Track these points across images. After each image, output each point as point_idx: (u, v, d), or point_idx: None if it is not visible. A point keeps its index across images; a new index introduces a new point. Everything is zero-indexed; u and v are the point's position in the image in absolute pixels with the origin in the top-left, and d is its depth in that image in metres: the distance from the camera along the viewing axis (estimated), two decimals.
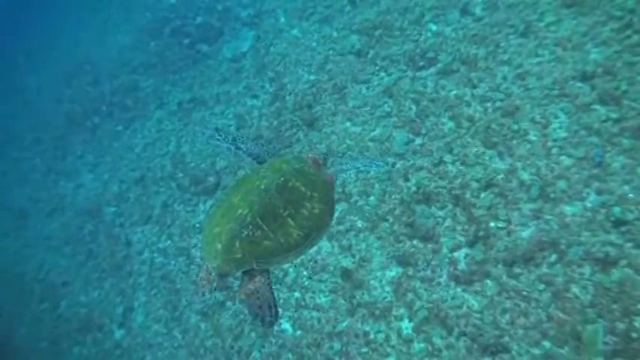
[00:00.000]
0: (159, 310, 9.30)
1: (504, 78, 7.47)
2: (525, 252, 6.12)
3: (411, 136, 7.86)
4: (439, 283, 6.57)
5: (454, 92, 7.83)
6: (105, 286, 10.52)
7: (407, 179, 7.41)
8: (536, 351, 5.67)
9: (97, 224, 11.69)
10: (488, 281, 6.26)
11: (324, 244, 7.64)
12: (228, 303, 8.36)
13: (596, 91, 6.58)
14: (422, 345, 6.32)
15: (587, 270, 5.74)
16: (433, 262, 6.72)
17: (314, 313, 7.33)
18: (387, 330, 6.63)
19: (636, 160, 5.99)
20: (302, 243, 3.47)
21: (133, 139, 13.05)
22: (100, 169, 13.18)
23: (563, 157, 6.42)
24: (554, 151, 6.50)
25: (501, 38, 7.91)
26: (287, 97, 10.17)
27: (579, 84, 6.78)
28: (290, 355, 7.23)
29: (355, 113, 8.79)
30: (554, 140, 6.57)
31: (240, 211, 3.41)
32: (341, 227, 7.60)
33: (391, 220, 7.30)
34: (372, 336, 6.70)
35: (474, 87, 7.67)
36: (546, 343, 5.66)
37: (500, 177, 6.70)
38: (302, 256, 4.40)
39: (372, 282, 7.06)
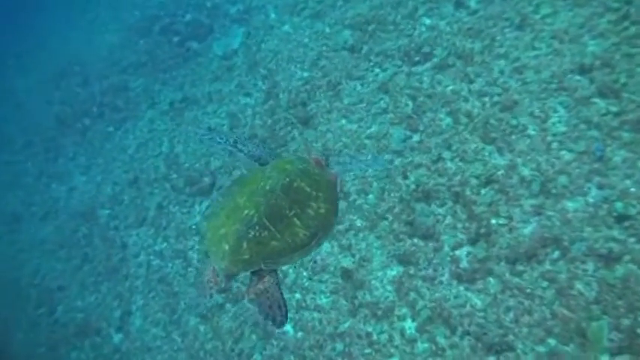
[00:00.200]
0: (157, 314, 9.21)
1: (501, 72, 7.39)
2: (528, 249, 6.07)
3: (408, 132, 7.78)
4: (441, 282, 6.52)
5: (451, 87, 7.75)
6: (101, 289, 10.42)
7: (406, 177, 7.33)
8: (542, 349, 5.63)
9: (92, 227, 11.56)
10: (491, 279, 6.21)
11: (324, 244, 7.56)
12: (228, 305, 8.28)
13: (595, 84, 6.52)
14: (426, 345, 6.27)
15: (590, 266, 5.70)
16: (434, 261, 6.66)
17: (315, 315, 7.27)
18: (390, 330, 6.57)
19: (637, 154, 5.94)
20: (309, 242, 3.47)
21: (125, 140, 12.90)
22: (92, 172, 13.03)
23: (563, 152, 6.36)
24: (554, 145, 6.44)
25: (497, 31, 7.83)
26: (280, 95, 10.05)
27: (578, 77, 6.71)
28: (292, 358, 7.17)
29: (351, 110, 8.70)
30: (554, 135, 6.50)
31: (246, 211, 3.42)
32: (340, 227, 7.53)
33: (391, 218, 7.23)
34: (374, 337, 6.64)
35: (471, 82, 7.59)
36: (551, 341, 5.62)
37: (500, 173, 6.63)
38: (309, 256, 4.35)
39: (373, 282, 7.00)
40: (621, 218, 5.72)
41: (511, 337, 5.81)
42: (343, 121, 8.66)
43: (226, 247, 3.34)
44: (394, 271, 6.92)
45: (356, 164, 4.15)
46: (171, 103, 12.54)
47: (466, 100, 7.46)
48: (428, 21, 8.90)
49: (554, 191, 6.19)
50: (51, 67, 17.78)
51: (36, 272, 11.90)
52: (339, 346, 6.84)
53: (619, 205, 5.77)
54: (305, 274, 7.64)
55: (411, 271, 6.76)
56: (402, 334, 6.47)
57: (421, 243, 6.86)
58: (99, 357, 9.60)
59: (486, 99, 7.29)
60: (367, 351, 6.59)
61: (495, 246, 6.30)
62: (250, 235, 3.33)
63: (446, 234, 6.72)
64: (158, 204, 10.59)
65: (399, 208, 7.20)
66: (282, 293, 3.44)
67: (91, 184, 12.69)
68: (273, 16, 12.40)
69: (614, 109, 6.27)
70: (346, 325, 6.94)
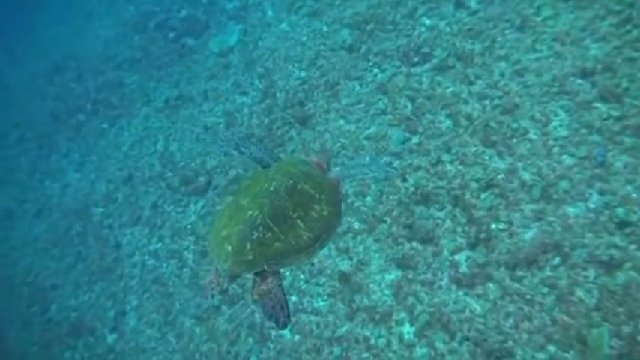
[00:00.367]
0: (152, 314, 9.13)
1: (502, 74, 7.33)
2: (528, 254, 6.02)
3: (407, 134, 7.71)
4: (440, 287, 6.46)
5: (450, 89, 7.69)
6: (95, 289, 10.32)
7: (404, 179, 7.27)
8: (541, 355, 5.60)
9: (85, 225, 11.45)
10: (491, 284, 6.17)
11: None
12: (224, 307, 8.20)
13: (596, 88, 6.47)
14: (424, 350, 6.22)
15: (591, 273, 5.66)
16: (434, 265, 6.61)
17: (312, 318, 7.20)
18: (388, 335, 6.52)
19: (638, 160, 5.89)
20: (312, 244, 3.45)
21: (120, 137, 12.78)
22: (86, 169, 12.91)
23: (564, 157, 6.31)
24: (555, 150, 6.39)
25: (497, 33, 7.76)
26: (278, 94, 9.96)
27: (579, 81, 6.66)
28: None
29: (349, 111, 8.62)
30: (555, 139, 6.45)
31: (249, 212, 3.40)
32: (338, 229, 7.44)
33: (389, 221, 7.17)
34: (372, 341, 6.58)
35: (471, 84, 7.52)
36: (551, 347, 5.58)
37: (500, 177, 6.58)
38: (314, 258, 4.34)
39: (371, 285, 6.94)
40: (622, 224, 5.68)
41: (511, 343, 5.77)
42: (341, 122, 8.59)
43: (229, 247, 3.31)
44: (392, 275, 6.86)
45: (359, 169, 4.13)
46: (167, 100, 12.41)
47: (466, 102, 7.40)
48: (427, 21, 8.82)
49: (555, 196, 6.15)
50: (45, 62, 17.58)
51: (29, 270, 11.77)
52: (337, 350, 6.78)
53: (620, 211, 5.73)
54: (302, 276, 7.57)
55: (410, 275, 6.71)
56: (401, 338, 6.42)
57: (420, 247, 6.80)
58: (93, 357, 9.50)
59: (487, 101, 7.23)
60: (365, 355, 6.53)
61: (495, 251, 6.25)
62: (254, 236, 3.31)
63: (445, 238, 6.66)
64: (153, 203, 10.49)
65: (397, 211, 7.14)
66: (285, 294, 3.42)
67: (84, 181, 12.57)
68: (270, 13, 12.29)
69: (615, 113, 6.22)
70: (344, 328, 6.88)
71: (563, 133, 6.45)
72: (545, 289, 5.82)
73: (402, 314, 6.54)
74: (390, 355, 6.39)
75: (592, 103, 6.44)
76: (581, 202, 6.00)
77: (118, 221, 10.90)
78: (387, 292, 6.79)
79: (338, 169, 4.17)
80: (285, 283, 7.59)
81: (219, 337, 7.95)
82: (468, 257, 6.42)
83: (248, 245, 3.29)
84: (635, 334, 5.23)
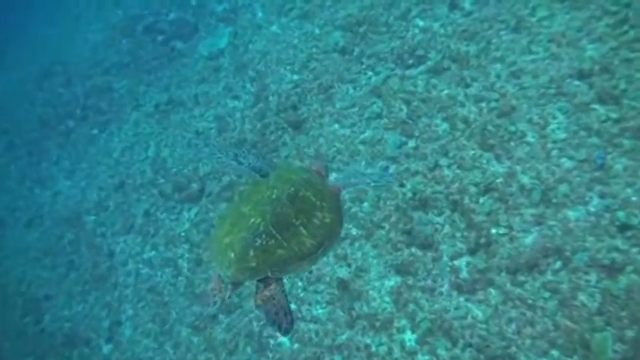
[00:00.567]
0: (147, 324, 9.01)
1: (498, 76, 7.27)
2: (529, 259, 5.97)
3: (403, 138, 7.64)
4: (441, 293, 6.40)
5: (446, 92, 7.62)
6: (89, 299, 10.17)
7: (402, 184, 7.20)
8: None
9: (78, 234, 11.29)
10: (492, 290, 6.11)
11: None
12: (221, 316, 8.10)
13: (594, 90, 6.42)
14: (426, 357, 6.16)
15: (593, 277, 5.61)
16: (434, 271, 6.54)
17: (311, 326, 7.12)
18: (389, 342, 6.45)
19: (638, 162, 5.85)
20: (315, 251, 3.46)
21: (110, 143, 12.61)
22: (76, 176, 12.73)
23: (563, 160, 6.26)
24: (554, 153, 6.34)
25: (493, 34, 7.70)
26: (270, 98, 9.86)
27: (576, 82, 6.61)
28: None
29: (343, 115, 8.54)
30: (554, 142, 6.40)
31: (252, 220, 3.41)
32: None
33: (387, 227, 7.09)
34: (373, 349, 6.52)
35: (467, 86, 7.46)
36: (554, 353, 5.54)
37: (499, 181, 6.52)
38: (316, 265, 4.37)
39: (370, 292, 6.87)
40: (624, 228, 5.63)
41: (514, 349, 5.72)
42: (336, 126, 8.50)
43: (232, 255, 3.31)
44: (392, 281, 6.79)
45: (360, 178, 4.20)
46: (157, 105, 12.27)
47: (462, 105, 7.34)
48: (421, 23, 8.74)
49: (554, 200, 6.10)
50: (33, 66, 17.33)
51: (21, 280, 11.57)
52: (337, 359, 6.72)
53: (621, 214, 5.69)
54: (300, 284, 7.49)
55: (410, 282, 6.64)
56: (402, 346, 6.35)
57: (419, 253, 6.74)
58: None
59: (483, 104, 7.17)
60: None
61: (496, 256, 6.20)
62: (257, 244, 3.31)
63: (445, 243, 6.60)
64: (145, 210, 10.36)
65: (395, 217, 7.06)
66: (288, 301, 3.44)
67: (75, 189, 12.40)
68: (260, 15, 12.17)
69: (614, 115, 6.17)
70: (344, 336, 6.80)
71: (562, 135, 6.40)
72: (547, 294, 5.77)
73: (403, 321, 6.48)
74: None
75: (590, 105, 6.39)
76: (582, 206, 5.95)
77: (110, 229, 10.76)
78: (386, 299, 6.72)
79: (339, 176, 4.17)
80: None
81: (217, 346, 7.85)
82: (468, 263, 6.36)
83: (251, 252, 3.29)
84: (638, 338, 5.19)
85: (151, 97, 12.75)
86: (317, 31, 10.26)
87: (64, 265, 11.02)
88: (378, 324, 6.60)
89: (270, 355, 7.29)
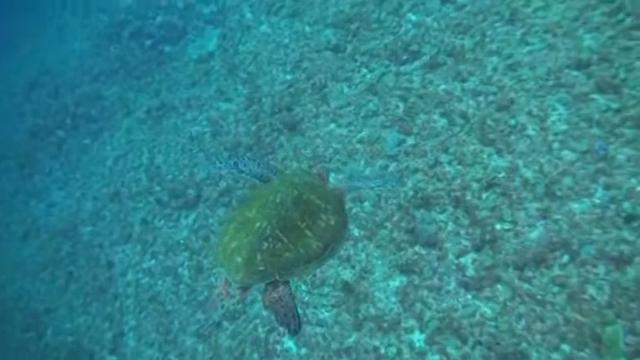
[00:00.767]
0: (151, 334, 8.90)
1: (495, 69, 7.20)
2: (536, 254, 5.92)
3: (401, 136, 7.56)
4: (448, 291, 6.34)
5: (443, 87, 7.55)
6: (90, 311, 10.05)
7: (403, 183, 7.12)
8: (557, 356, 5.51)
9: (75, 245, 11.15)
10: (500, 286, 6.06)
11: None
12: (225, 323, 8.01)
13: (593, 80, 6.37)
14: (436, 357, 6.10)
15: (601, 269, 5.57)
16: (439, 270, 6.48)
17: (318, 330, 7.04)
18: (397, 343, 6.39)
19: None
20: (322, 253, 3.48)
21: (103, 152, 12.45)
22: (70, 187, 12.57)
23: (565, 152, 6.20)
24: (556, 145, 6.28)
25: (487, 27, 7.63)
26: (263, 100, 9.75)
27: (575, 73, 6.55)
28: None
29: (339, 114, 8.45)
30: (555, 134, 6.34)
31: (258, 224, 3.44)
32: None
33: (390, 227, 7.02)
34: (382, 350, 6.45)
35: (464, 80, 7.39)
36: (566, 347, 5.50)
37: (501, 176, 6.46)
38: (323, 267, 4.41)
39: (376, 293, 6.80)
40: (630, 218, 5.59)
41: (524, 345, 5.67)
42: (332, 126, 8.41)
43: (239, 259, 3.34)
44: (397, 281, 6.73)
45: (364, 182, 4.22)
46: (148, 110, 12.12)
47: (460, 100, 7.27)
48: (414, 17, 8.66)
49: (559, 193, 6.04)
50: (20, 79, 17.08)
51: (20, 295, 11.43)
52: None
53: (627, 205, 5.65)
54: (304, 287, 7.40)
55: (416, 281, 6.57)
56: (411, 346, 6.29)
57: (424, 251, 6.67)
58: None
59: (481, 98, 7.10)
60: None
61: (502, 252, 6.14)
62: (264, 247, 3.33)
63: (449, 241, 6.54)
64: (142, 219, 10.23)
65: (398, 216, 6.99)
66: (295, 303, 3.44)
67: (70, 199, 12.24)
68: (249, 15, 12.03)
69: (614, 105, 6.12)
70: (351, 339, 6.73)
71: (563, 127, 6.34)
72: (556, 289, 5.73)
73: (411, 321, 6.41)
74: None
75: (589, 95, 6.33)
76: (587, 198, 5.90)
77: (108, 239, 10.62)
78: (393, 299, 6.66)
79: (342, 178, 4.17)
80: None
81: (223, 354, 7.76)
82: (474, 260, 6.30)
83: (259, 256, 3.31)
84: None
85: (141, 102, 12.59)
86: (308, 29, 10.15)
87: (63, 277, 10.87)
88: (385, 325, 6.53)
89: None
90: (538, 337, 5.64)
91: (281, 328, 3.37)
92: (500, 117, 6.79)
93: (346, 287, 6.99)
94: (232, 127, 9.93)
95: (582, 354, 5.40)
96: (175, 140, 10.92)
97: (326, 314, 7.07)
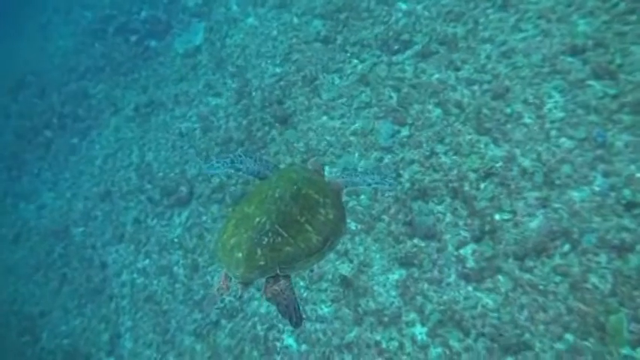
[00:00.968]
0: (148, 334, 8.80)
1: (488, 57, 7.12)
2: (536, 243, 5.87)
3: (396, 127, 7.47)
4: (449, 284, 6.29)
5: (436, 76, 7.45)
6: (86, 313, 9.92)
7: (399, 174, 7.04)
8: (560, 346, 5.47)
9: (67, 247, 10.99)
10: (500, 277, 6.01)
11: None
12: (223, 321, 7.93)
13: (589, 66, 6.30)
14: (439, 350, 6.05)
15: (603, 258, 5.53)
16: (439, 262, 6.42)
17: (318, 326, 6.98)
18: (399, 337, 6.33)
19: None
20: (322, 247, 3.50)
21: (92, 151, 12.27)
22: (60, 187, 12.37)
23: (563, 140, 6.14)
24: (553, 133, 6.22)
25: (479, 13, 7.53)
26: (253, 93, 9.61)
27: (570, 59, 6.48)
28: None
29: (331, 106, 8.33)
30: (552, 122, 6.28)
31: (257, 219, 3.46)
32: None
33: (387, 219, 6.95)
34: (384, 345, 6.39)
35: (457, 69, 7.30)
36: (569, 337, 5.46)
37: (499, 165, 6.40)
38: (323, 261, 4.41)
39: (375, 287, 6.73)
40: (630, 206, 5.55)
41: (528, 335, 5.64)
42: (324, 118, 8.30)
43: (240, 255, 3.35)
44: (397, 274, 6.67)
45: (362, 178, 4.23)
46: (136, 108, 11.93)
47: (454, 89, 7.18)
48: (404, 6, 8.53)
49: (558, 182, 5.99)
50: (5, 80, 16.69)
51: (14, 298, 11.27)
52: (348, 358, 6.59)
53: (627, 192, 5.60)
54: (302, 283, 7.32)
55: (415, 274, 6.51)
56: (413, 340, 6.24)
57: (422, 244, 6.61)
58: None
59: (476, 87, 7.02)
60: None
61: (502, 242, 6.09)
62: (264, 242, 3.35)
63: (448, 233, 6.48)
64: (135, 218, 10.09)
65: (395, 209, 6.92)
66: (296, 296, 3.46)
67: (60, 200, 12.06)
68: (235, 7, 11.84)
69: (611, 91, 6.06)
70: (352, 334, 6.67)
71: (560, 114, 6.28)
72: (558, 278, 5.69)
73: (412, 315, 6.36)
74: (404, 357, 6.21)
75: (586, 81, 6.27)
76: (586, 186, 5.85)
77: (100, 240, 10.48)
78: (392, 293, 6.60)
79: (336, 170, 4.16)
80: None
81: (222, 353, 7.68)
82: (474, 251, 6.25)
83: (259, 251, 3.33)
84: None
85: (129, 100, 12.39)
86: (296, 20, 10.00)
87: (57, 279, 10.73)
88: (386, 319, 6.48)
89: (278, 358, 7.13)
90: (541, 327, 5.60)
91: (283, 321, 3.33)
92: (496, 105, 6.72)
93: (345, 282, 6.92)
94: (223, 122, 9.79)
95: (586, 343, 5.37)
96: (165, 137, 10.76)
97: (325, 310, 7.01)
